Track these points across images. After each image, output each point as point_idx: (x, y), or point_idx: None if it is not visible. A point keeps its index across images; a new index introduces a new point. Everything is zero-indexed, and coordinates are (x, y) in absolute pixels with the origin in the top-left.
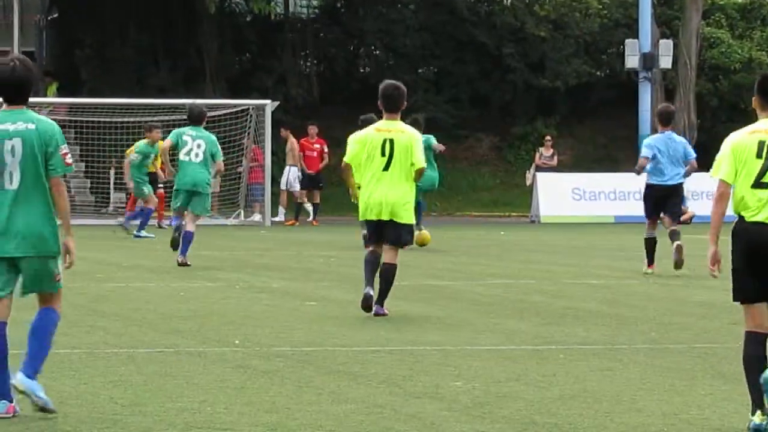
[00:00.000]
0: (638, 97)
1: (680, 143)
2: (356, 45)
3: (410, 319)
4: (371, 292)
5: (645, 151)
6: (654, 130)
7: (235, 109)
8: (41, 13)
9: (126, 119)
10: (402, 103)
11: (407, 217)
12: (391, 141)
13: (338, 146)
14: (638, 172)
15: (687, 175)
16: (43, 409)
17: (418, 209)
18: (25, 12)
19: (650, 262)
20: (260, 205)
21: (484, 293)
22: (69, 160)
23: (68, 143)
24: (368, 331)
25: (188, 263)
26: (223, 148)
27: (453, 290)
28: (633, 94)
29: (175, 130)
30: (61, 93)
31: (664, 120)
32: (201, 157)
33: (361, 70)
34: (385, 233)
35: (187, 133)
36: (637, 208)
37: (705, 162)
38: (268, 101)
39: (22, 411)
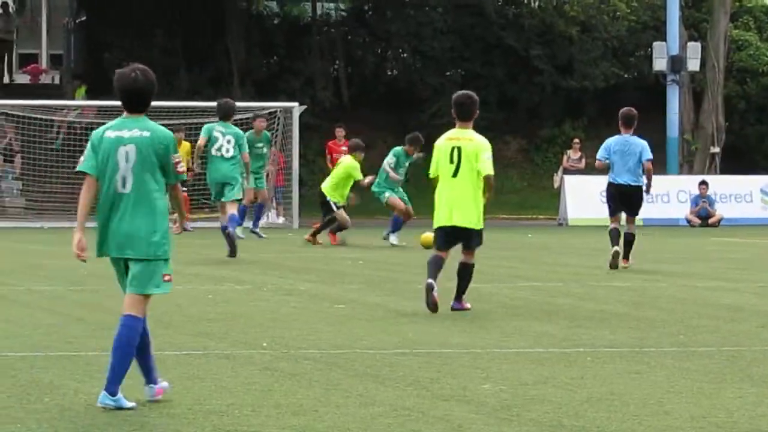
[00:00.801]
0: (666, 99)
1: (638, 145)
2: (384, 48)
3: (437, 321)
4: (433, 282)
5: (600, 153)
6: (681, 133)
7: (262, 112)
8: (69, 16)
9: (154, 122)
10: (474, 112)
11: (476, 222)
12: (459, 149)
13: (366, 148)
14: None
15: (647, 177)
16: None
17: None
18: (53, 15)
19: (615, 244)
20: (281, 207)
21: (511, 296)
22: (180, 168)
23: None
24: (396, 334)
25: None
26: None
27: (481, 293)
28: (661, 96)
29: (206, 126)
30: (89, 95)
31: (626, 122)
32: (231, 152)
33: (389, 73)
34: (459, 238)
35: (217, 129)
36: (666, 211)
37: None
38: (295, 104)
39: (49, 412)
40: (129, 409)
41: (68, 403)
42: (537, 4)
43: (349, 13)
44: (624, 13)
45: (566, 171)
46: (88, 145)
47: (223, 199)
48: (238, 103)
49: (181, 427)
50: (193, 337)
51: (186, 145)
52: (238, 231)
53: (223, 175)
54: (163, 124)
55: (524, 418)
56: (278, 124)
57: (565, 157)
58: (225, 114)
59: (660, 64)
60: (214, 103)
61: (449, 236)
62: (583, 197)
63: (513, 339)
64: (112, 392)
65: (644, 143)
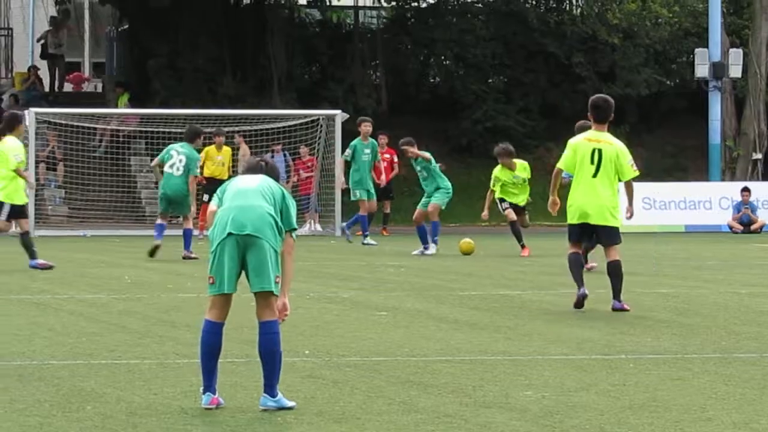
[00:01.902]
0: (708, 106)
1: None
2: (426, 55)
3: (480, 328)
4: (585, 291)
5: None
6: (723, 139)
7: (305, 120)
8: (112, 25)
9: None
10: (610, 115)
11: (614, 220)
12: (600, 151)
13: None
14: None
15: None
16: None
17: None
18: (96, 23)
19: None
20: (310, 214)
21: (554, 302)
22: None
23: (139, 154)
24: (438, 341)
25: (193, 256)
26: (294, 158)
27: (523, 299)
28: (703, 103)
29: (169, 146)
30: (132, 104)
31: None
32: (181, 171)
33: (431, 80)
34: (598, 236)
35: (176, 149)
36: (708, 217)
37: None
38: (338, 111)
39: (91, 420)
40: (289, 408)
41: (110, 411)
42: (579, 11)
43: (392, 20)
44: (667, 19)
45: None
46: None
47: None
48: (281, 111)
49: None
50: (236, 344)
51: (227, 150)
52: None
53: (172, 190)
54: (206, 132)
55: (566, 425)
56: (320, 132)
57: None
58: (189, 137)
59: (702, 70)
60: (258, 111)
61: (584, 233)
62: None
63: (555, 345)
64: (272, 394)
65: None
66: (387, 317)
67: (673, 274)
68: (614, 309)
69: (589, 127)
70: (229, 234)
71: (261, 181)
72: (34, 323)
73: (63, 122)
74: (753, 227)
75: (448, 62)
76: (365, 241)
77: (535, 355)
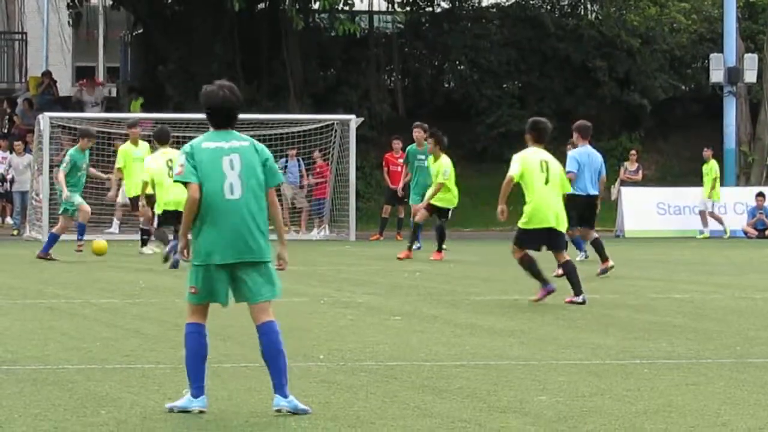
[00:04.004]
0: (723, 111)
1: (599, 156)
2: (441, 60)
3: (494, 333)
4: (553, 286)
5: (572, 165)
6: (738, 144)
7: (319, 125)
8: (126, 29)
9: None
10: (547, 136)
11: (563, 226)
12: (546, 162)
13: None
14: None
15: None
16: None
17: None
18: (109, 28)
19: (605, 258)
20: (320, 220)
21: (568, 308)
22: (279, 171)
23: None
24: (453, 346)
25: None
26: (306, 164)
27: (537, 305)
28: (718, 108)
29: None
30: (146, 108)
31: (585, 133)
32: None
33: (446, 85)
34: (553, 241)
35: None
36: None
37: None
38: (352, 116)
39: (106, 425)
40: (303, 411)
41: (124, 415)
42: (595, 15)
43: (406, 25)
44: (685, 25)
45: (623, 183)
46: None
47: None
48: (296, 116)
49: None
50: (251, 349)
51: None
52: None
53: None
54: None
55: (581, 430)
56: (335, 137)
57: (622, 169)
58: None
59: (717, 75)
60: (271, 116)
61: (542, 238)
62: (640, 209)
63: (569, 351)
64: (284, 394)
65: (600, 155)
66: (402, 322)
67: (687, 279)
68: (578, 302)
69: (589, 127)
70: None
71: (242, 167)
72: (49, 328)
73: (77, 126)
74: (767, 233)
75: (462, 67)
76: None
77: (550, 360)
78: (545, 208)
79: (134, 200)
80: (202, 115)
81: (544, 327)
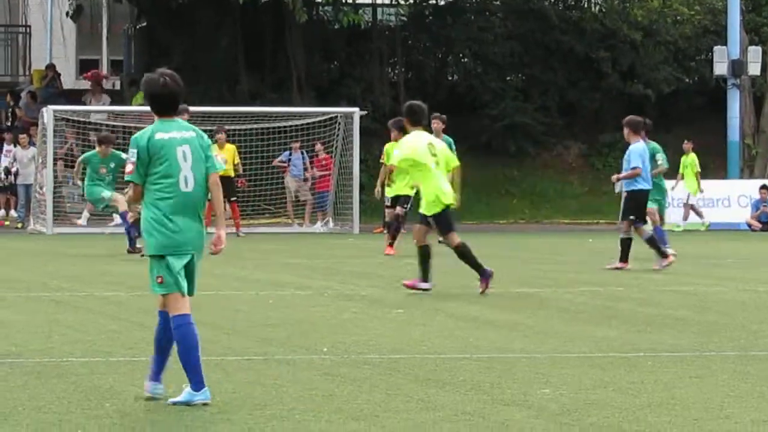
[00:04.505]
0: (726, 104)
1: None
2: (444, 53)
3: (498, 326)
4: (491, 270)
5: (637, 161)
6: (742, 137)
7: (323, 117)
8: (129, 23)
9: (214, 128)
10: (425, 118)
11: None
12: (432, 144)
13: None
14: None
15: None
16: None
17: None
18: (113, 21)
19: (625, 259)
20: (323, 213)
21: (572, 300)
22: (221, 159)
23: None
24: (456, 339)
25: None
26: (310, 156)
27: (541, 297)
28: (721, 101)
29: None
30: None
31: (636, 128)
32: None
33: (449, 78)
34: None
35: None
36: (727, 215)
37: None
38: (356, 109)
39: (110, 417)
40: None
41: (128, 408)
42: (598, 8)
43: (410, 18)
44: (688, 17)
45: None
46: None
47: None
48: (300, 109)
49: None
50: (254, 342)
51: (230, 147)
52: None
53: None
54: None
55: (585, 423)
56: (338, 130)
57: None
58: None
59: (721, 68)
60: (275, 109)
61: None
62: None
63: (573, 343)
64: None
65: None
66: (405, 315)
67: (692, 272)
68: (485, 282)
69: (642, 122)
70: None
71: (192, 158)
72: (53, 321)
73: (81, 120)
74: None
75: (466, 60)
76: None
77: (553, 353)
78: (445, 187)
79: None
80: (206, 108)
81: (547, 320)
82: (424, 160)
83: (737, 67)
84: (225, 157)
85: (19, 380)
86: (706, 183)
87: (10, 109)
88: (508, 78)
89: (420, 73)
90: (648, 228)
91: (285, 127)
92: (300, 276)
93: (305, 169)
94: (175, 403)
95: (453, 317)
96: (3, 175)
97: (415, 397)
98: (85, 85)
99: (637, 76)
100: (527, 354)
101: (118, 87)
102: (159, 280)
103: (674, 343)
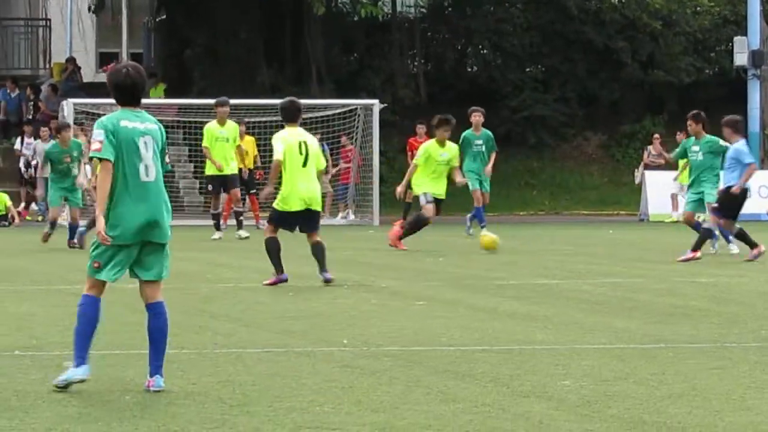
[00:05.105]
0: (747, 94)
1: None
2: (464, 44)
3: (518, 317)
4: (285, 276)
5: (749, 157)
6: (762, 128)
7: (343, 110)
8: (149, 15)
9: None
10: (298, 115)
11: (320, 205)
12: (305, 143)
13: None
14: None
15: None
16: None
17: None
18: (133, 14)
19: (754, 244)
20: (344, 205)
21: (592, 292)
22: (167, 159)
23: (177, 144)
24: (476, 331)
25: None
26: (336, 148)
27: (561, 289)
28: (742, 91)
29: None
30: (170, 94)
31: (736, 128)
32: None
33: (469, 70)
34: (308, 222)
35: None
36: (747, 206)
37: None
38: (375, 101)
39: (130, 410)
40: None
41: (149, 401)
42: None
43: (429, 10)
44: (707, 7)
45: (647, 167)
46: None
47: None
48: (319, 101)
49: (261, 424)
50: (274, 334)
51: (250, 140)
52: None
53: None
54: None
55: (605, 415)
56: (358, 122)
57: (645, 153)
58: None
59: (741, 59)
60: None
61: (298, 220)
62: (664, 193)
63: (593, 335)
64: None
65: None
66: (425, 307)
67: (711, 262)
68: (326, 281)
69: (738, 121)
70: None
71: (154, 149)
72: (73, 313)
73: (101, 113)
74: None
75: (485, 51)
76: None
77: (573, 344)
78: (302, 190)
79: (212, 180)
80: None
81: (567, 311)
82: (292, 158)
83: (757, 57)
84: (246, 149)
85: (40, 373)
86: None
87: (31, 103)
88: (528, 69)
89: (439, 64)
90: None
91: (305, 119)
92: None
93: (327, 161)
94: (57, 385)
95: (473, 309)
96: (23, 168)
97: (435, 389)
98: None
99: (656, 67)
100: (547, 345)
101: None
102: (96, 264)
103: (694, 334)
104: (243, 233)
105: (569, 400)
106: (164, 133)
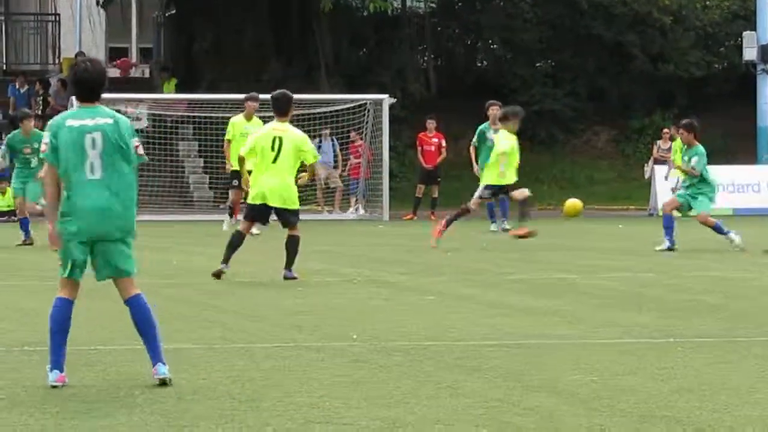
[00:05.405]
0: (756, 89)
1: None
2: (474, 39)
3: (527, 312)
4: (226, 268)
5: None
6: None
7: (352, 105)
8: (159, 10)
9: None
10: (288, 108)
11: (292, 203)
12: (281, 138)
13: (456, 140)
14: None
15: None
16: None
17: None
18: (143, 9)
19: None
20: (355, 199)
21: (601, 286)
22: (141, 151)
23: (187, 139)
24: (486, 325)
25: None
26: (341, 144)
27: (570, 283)
28: (751, 86)
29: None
30: (179, 88)
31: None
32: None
33: (479, 65)
34: (279, 218)
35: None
36: (756, 201)
37: None
38: (385, 96)
39: (139, 405)
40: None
41: (157, 396)
42: None
43: (439, 4)
44: (717, 2)
45: (656, 161)
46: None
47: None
48: (329, 96)
49: (270, 419)
50: (283, 329)
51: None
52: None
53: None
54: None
55: (615, 409)
56: (368, 117)
57: (655, 148)
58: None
59: (750, 53)
60: (304, 96)
61: (261, 213)
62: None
63: (603, 329)
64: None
65: None
66: (435, 302)
67: (721, 257)
68: (286, 278)
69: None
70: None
71: (104, 145)
72: (79, 308)
73: (111, 108)
74: None
75: (495, 47)
76: (503, 226)
77: (583, 339)
78: (263, 185)
79: (237, 176)
80: (236, 96)
81: (576, 305)
82: (263, 153)
83: (767, 52)
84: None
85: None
86: (736, 168)
87: (41, 97)
88: (538, 64)
89: (449, 59)
90: None
91: (314, 114)
92: (329, 263)
93: (336, 156)
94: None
95: (482, 304)
96: None
97: (445, 383)
98: (115, 73)
99: (666, 61)
100: (557, 340)
101: (147, 75)
102: (60, 263)
103: (703, 328)
104: (254, 230)
105: (579, 395)
106: (126, 126)
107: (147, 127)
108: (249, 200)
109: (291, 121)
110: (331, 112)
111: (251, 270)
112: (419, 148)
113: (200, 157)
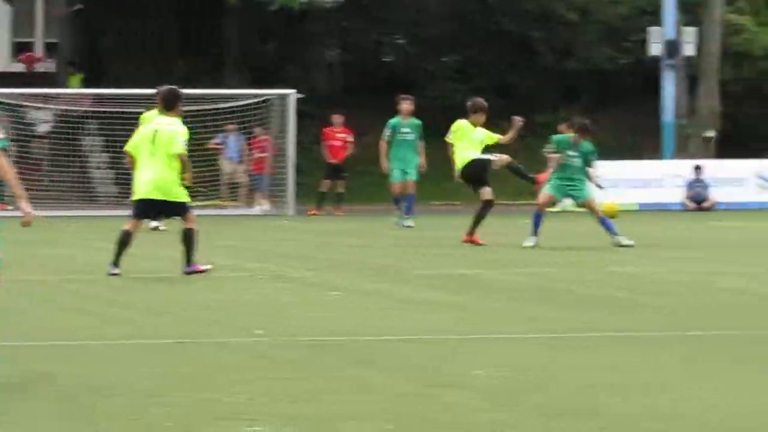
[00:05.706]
0: (661, 84)
1: None
2: (381, 34)
3: (436, 307)
4: (117, 271)
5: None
6: (677, 117)
7: (257, 99)
8: (65, 5)
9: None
10: (175, 103)
11: (176, 194)
12: (157, 132)
13: (363, 136)
14: None
15: None
16: None
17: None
18: (48, 3)
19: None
20: (261, 194)
21: (511, 281)
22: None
23: (91, 134)
24: (392, 321)
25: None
26: (249, 138)
27: (479, 279)
28: (656, 81)
29: None
30: (85, 84)
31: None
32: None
33: (386, 60)
34: (167, 211)
35: None
36: (661, 196)
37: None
38: (291, 91)
39: (48, 404)
40: None
41: (63, 394)
42: None
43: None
44: None
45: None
46: None
47: None
48: (234, 91)
49: (177, 416)
50: (187, 324)
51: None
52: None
53: None
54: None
55: (525, 403)
56: (273, 112)
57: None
58: None
59: (656, 48)
60: (210, 91)
61: (146, 208)
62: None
63: (513, 324)
64: None
65: None
66: (340, 297)
67: (626, 251)
68: (186, 273)
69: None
70: None
71: None
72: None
73: (12, 102)
74: (705, 205)
75: (403, 41)
76: (404, 223)
77: (491, 333)
78: (144, 179)
79: None
80: (142, 90)
81: (486, 301)
82: (144, 147)
83: (672, 47)
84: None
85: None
86: (641, 164)
87: None
88: (445, 59)
89: (357, 54)
90: None
91: (219, 109)
92: (235, 258)
93: (242, 152)
94: None
95: (390, 299)
96: None
97: (350, 379)
98: (20, 68)
99: (572, 56)
100: (465, 335)
101: (53, 70)
102: None
103: (613, 323)
104: (160, 226)
105: (488, 389)
106: None
107: (47, 132)
108: (132, 198)
109: (197, 116)
110: (237, 107)
111: (159, 266)
112: (325, 143)
113: (105, 152)
